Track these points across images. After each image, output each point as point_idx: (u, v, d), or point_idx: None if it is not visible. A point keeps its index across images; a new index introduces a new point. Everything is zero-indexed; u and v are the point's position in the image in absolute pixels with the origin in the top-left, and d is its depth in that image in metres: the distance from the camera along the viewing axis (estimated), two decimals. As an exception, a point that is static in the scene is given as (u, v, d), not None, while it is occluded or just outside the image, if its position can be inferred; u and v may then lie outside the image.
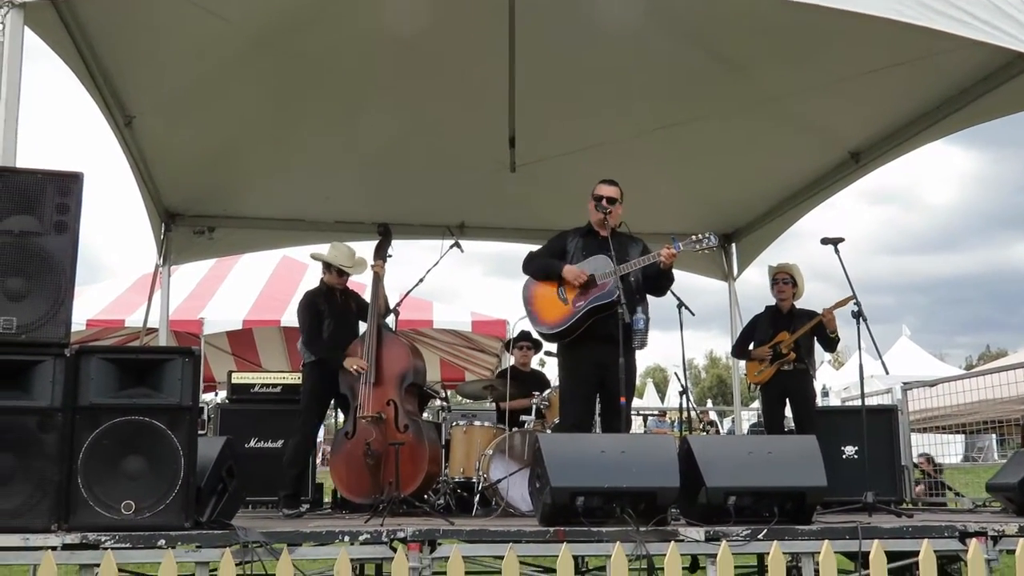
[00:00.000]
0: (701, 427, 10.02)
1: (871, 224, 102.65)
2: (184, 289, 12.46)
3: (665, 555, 4.44)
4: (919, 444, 9.63)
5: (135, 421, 4.44)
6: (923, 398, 9.85)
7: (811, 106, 7.76)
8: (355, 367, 6.87)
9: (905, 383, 9.66)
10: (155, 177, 8.30)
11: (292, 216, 9.57)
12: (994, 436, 12.39)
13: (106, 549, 4.21)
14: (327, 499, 8.65)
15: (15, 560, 4.25)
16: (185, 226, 9.22)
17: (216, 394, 13.02)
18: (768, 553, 4.34)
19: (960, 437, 12.97)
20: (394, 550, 4.43)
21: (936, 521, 5.16)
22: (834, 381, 18.38)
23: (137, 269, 15.17)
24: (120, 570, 3.07)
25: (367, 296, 7.46)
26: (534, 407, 7.60)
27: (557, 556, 4.15)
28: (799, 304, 8.14)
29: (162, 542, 4.31)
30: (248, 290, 13.22)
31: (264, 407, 8.10)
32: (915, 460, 9.22)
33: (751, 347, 8.19)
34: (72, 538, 4.24)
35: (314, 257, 7.71)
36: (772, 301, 8.21)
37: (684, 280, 7.38)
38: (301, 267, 13.82)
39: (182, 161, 8.16)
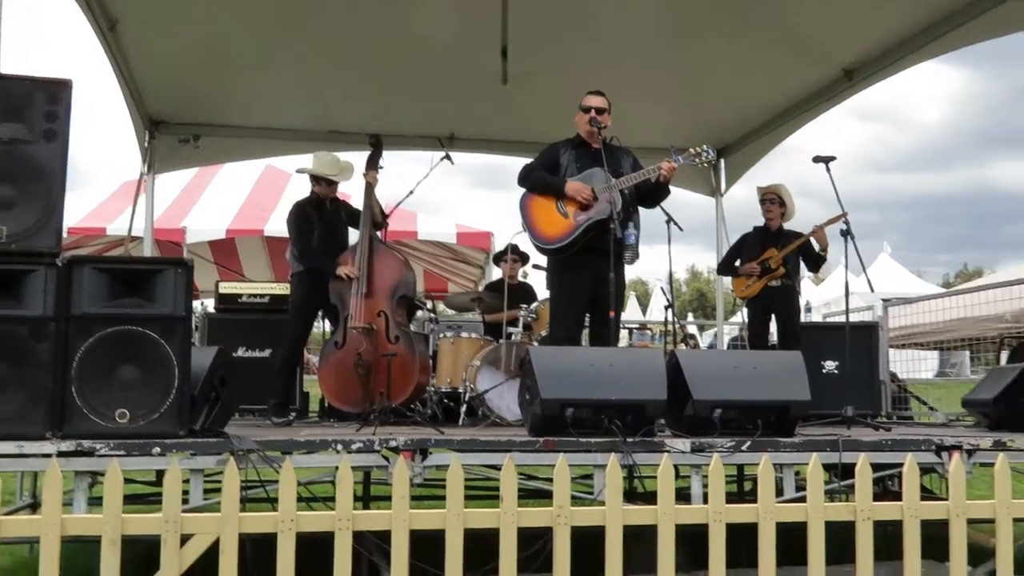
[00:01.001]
0: (681, 340, 10.09)
1: (859, 141, 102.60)
2: (166, 198, 12.35)
3: (650, 465, 4.55)
4: (895, 360, 9.77)
5: (129, 331, 4.44)
6: (902, 315, 10.00)
7: (806, 21, 7.69)
8: (347, 273, 6.88)
9: (885, 299, 9.78)
10: (140, 83, 8.19)
11: (280, 125, 9.49)
12: (967, 353, 12.57)
13: (101, 456, 4.27)
14: (313, 407, 8.75)
15: (10, 467, 4.30)
16: (170, 134, 9.12)
17: (202, 303, 13.01)
18: (748, 464, 4.43)
19: (935, 354, 13.17)
20: (386, 458, 4.51)
21: (914, 435, 5.28)
22: (815, 296, 18.53)
23: (119, 177, 15.03)
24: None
25: (356, 205, 7.45)
26: (521, 319, 7.64)
27: (545, 466, 4.22)
28: (788, 225, 8.19)
29: (157, 449, 4.36)
30: (231, 199, 13.13)
31: (251, 316, 8.13)
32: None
33: (738, 264, 8.24)
34: (67, 445, 4.27)
35: (300, 172, 7.64)
36: (760, 220, 8.24)
37: (673, 193, 7.36)
38: (285, 176, 13.72)
39: (167, 66, 8.03)
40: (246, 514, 2.91)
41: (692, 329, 16.67)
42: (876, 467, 5.01)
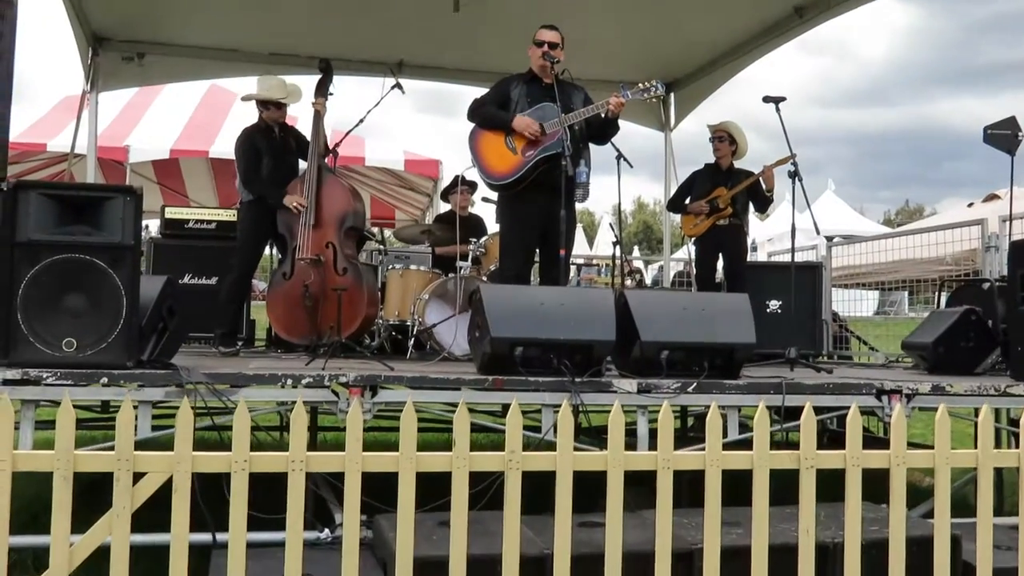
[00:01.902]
0: (627, 274, 10.17)
1: (804, 75, 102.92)
2: (108, 115, 12.06)
3: (599, 406, 4.63)
4: (837, 300, 9.94)
5: (76, 259, 4.37)
6: (845, 255, 10.15)
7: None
8: (295, 204, 6.81)
9: (828, 237, 9.92)
10: (83, -2, 7.96)
11: (226, 46, 9.29)
12: (906, 293, 12.82)
13: (48, 385, 4.24)
14: (260, 335, 8.73)
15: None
16: (114, 51, 8.92)
17: (146, 226, 12.82)
18: (691, 406, 4.51)
19: (875, 293, 13.42)
20: (335, 393, 4.53)
21: (855, 378, 5.41)
22: (760, 232, 18.75)
23: (58, 91, 14.64)
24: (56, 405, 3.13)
25: (303, 130, 7.35)
26: (471, 254, 7.64)
27: (494, 404, 4.27)
28: (741, 164, 8.24)
29: (104, 379, 4.35)
30: (175, 119, 12.88)
31: (198, 243, 8.03)
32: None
33: (687, 202, 8.30)
34: (13, 374, 4.23)
35: (246, 98, 7.48)
36: (711, 156, 8.29)
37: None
38: (231, 96, 13.45)
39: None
40: (199, 453, 2.91)
41: (638, 264, 16.80)
42: (819, 410, 5.17)
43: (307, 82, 7.60)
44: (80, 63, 8.69)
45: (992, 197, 12.42)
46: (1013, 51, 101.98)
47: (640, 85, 6.23)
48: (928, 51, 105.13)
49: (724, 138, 8.18)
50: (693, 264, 8.47)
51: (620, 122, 6.42)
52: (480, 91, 6.74)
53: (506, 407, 4.66)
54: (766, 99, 6.90)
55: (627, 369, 5.08)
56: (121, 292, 4.43)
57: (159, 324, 4.83)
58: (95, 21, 8.53)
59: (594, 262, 12.80)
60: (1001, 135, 6.55)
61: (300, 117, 9.60)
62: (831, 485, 3.57)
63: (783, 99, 6.87)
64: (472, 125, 6.42)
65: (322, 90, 7.22)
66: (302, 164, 7.15)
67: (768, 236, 19.45)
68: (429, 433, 7.82)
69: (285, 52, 9.31)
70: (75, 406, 2.95)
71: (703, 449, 3.24)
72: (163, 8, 8.47)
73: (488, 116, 6.36)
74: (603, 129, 6.38)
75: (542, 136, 6.12)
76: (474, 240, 7.79)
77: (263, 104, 7.17)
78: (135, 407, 3.43)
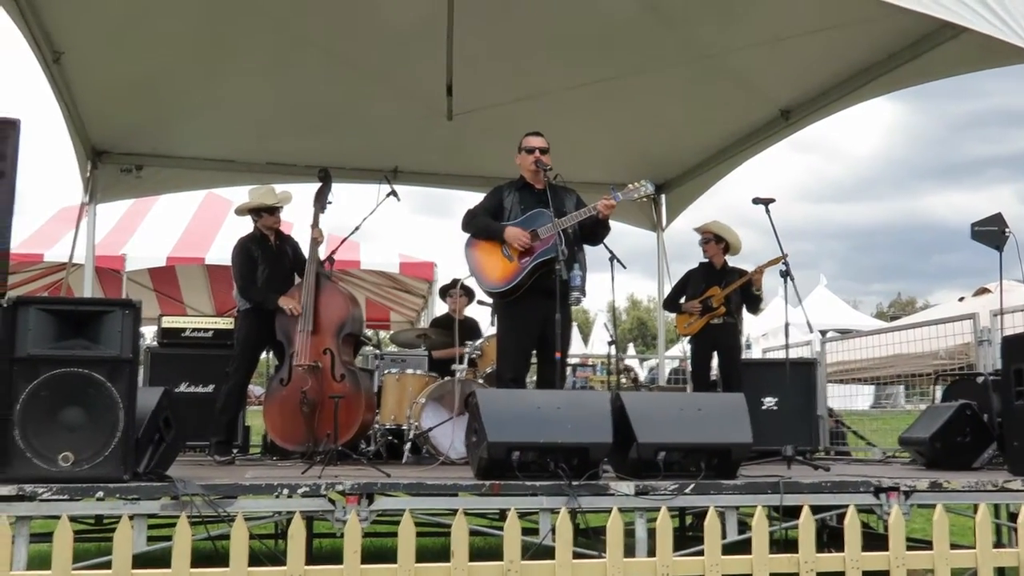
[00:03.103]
0: (622, 372, 10.17)
1: (794, 171, 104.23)
2: (106, 224, 12.19)
3: (599, 512, 4.61)
4: (832, 394, 9.95)
5: (74, 373, 4.40)
6: (840, 350, 10.20)
7: (743, 63, 7.90)
8: (290, 307, 6.86)
9: (822, 331, 9.97)
10: (83, 113, 8.15)
11: (223, 156, 9.48)
12: (902, 387, 12.84)
13: (43, 500, 4.22)
14: (255, 440, 8.70)
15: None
16: (112, 163, 9.09)
17: (143, 335, 12.87)
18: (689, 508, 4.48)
19: (870, 387, 13.43)
20: (332, 502, 4.51)
21: (852, 476, 5.38)
22: (754, 327, 18.79)
23: (54, 203, 14.82)
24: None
25: (301, 242, 7.43)
26: (467, 356, 7.66)
27: (492, 510, 4.26)
28: (736, 260, 8.34)
29: (100, 493, 4.32)
30: (172, 226, 13.00)
31: (195, 351, 8.06)
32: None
33: (682, 301, 8.37)
34: (8, 489, 4.21)
35: (239, 213, 7.55)
36: (703, 255, 8.38)
37: (613, 227, 7.43)
38: (226, 204, 13.58)
39: (110, 97, 8.03)
40: (196, 571, 2.91)
41: (633, 363, 16.83)
42: (817, 508, 5.14)
43: (303, 190, 7.73)
44: (79, 175, 8.82)
45: (983, 291, 12.52)
46: (992, 146, 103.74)
47: (630, 186, 6.31)
48: (912, 147, 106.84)
49: (711, 239, 8.29)
50: (689, 362, 8.50)
51: (613, 222, 6.51)
52: (473, 195, 6.86)
53: (504, 509, 4.64)
54: (756, 201, 6.98)
55: (624, 471, 5.07)
56: (119, 405, 4.44)
57: (155, 436, 4.83)
58: (94, 135, 8.70)
59: (590, 361, 12.81)
60: (988, 231, 6.63)
61: (295, 223, 9.73)
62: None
63: (772, 200, 6.95)
64: (467, 235, 6.49)
65: (321, 200, 7.30)
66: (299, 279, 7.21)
67: (763, 331, 19.48)
68: (427, 538, 7.74)
69: (282, 162, 9.47)
70: (69, 518, 2.95)
71: (703, 552, 3.23)
72: (161, 121, 8.67)
73: (482, 227, 6.41)
74: (595, 231, 6.44)
75: (535, 242, 6.18)
76: (470, 343, 7.81)
77: (256, 212, 7.25)
78: (131, 518, 3.42)
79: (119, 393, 4.44)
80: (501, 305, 6.50)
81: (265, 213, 7.24)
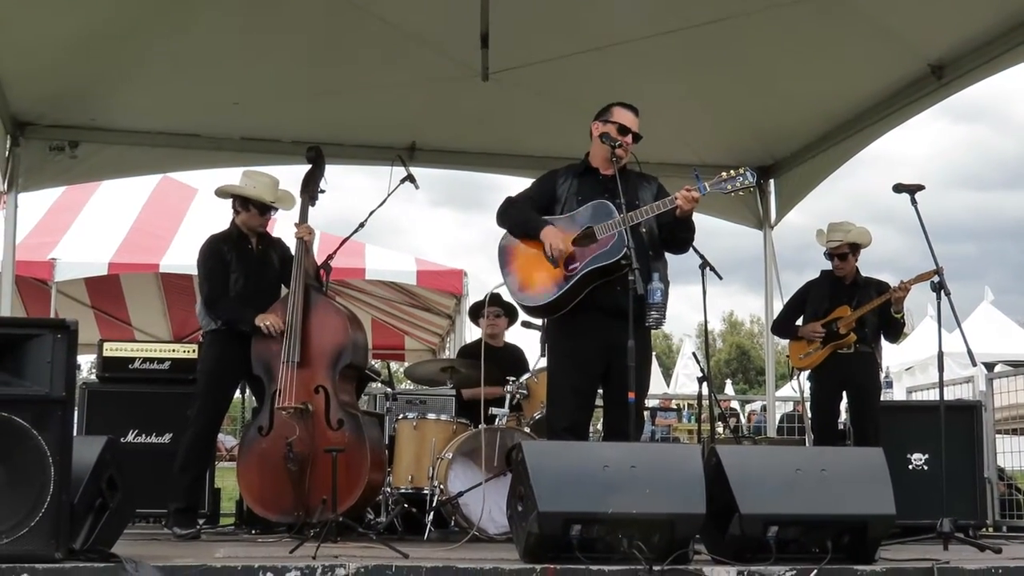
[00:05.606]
0: (719, 418, 10.12)
1: (950, 149, 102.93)
2: (29, 220, 12.30)
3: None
4: (1002, 449, 9.85)
5: (-10, 417, 4.46)
6: (1013, 390, 10.06)
7: (883, 2, 7.83)
8: (267, 324, 6.87)
9: (987, 364, 9.86)
10: (1, 75, 8.20)
11: (183, 130, 9.52)
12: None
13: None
14: (226, 507, 8.74)
15: None
16: (39, 139, 9.12)
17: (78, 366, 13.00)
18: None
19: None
20: (330, 591, 4.54)
21: (1033, 561, 5.34)
22: (894, 359, 18.64)
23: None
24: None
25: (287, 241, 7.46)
26: (508, 396, 7.66)
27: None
28: (873, 266, 8.28)
29: (25, 577, 4.38)
30: (116, 223, 13.06)
31: (146, 389, 8.09)
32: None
33: (799, 323, 8.30)
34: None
35: (222, 194, 7.48)
36: (827, 261, 8.30)
37: (703, 223, 7.31)
38: (188, 192, 13.70)
39: (37, 52, 8.03)
40: None
41: (733, 404, 16.80)
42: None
43: (289, 173, 7.74)
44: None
45: None
46: None
47: (723, 174, 6.19)
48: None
49: (846, 253, 8.21)
50: (807, 405, 8.45)
51: (704, 217, 6.48)
52: (514, 182, 6.83)
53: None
54: (898, 188, 6.91)
55: (722, 552, 5.06)
56: (48, 460, 4.46)
57: (96, 501, 4.86)
58: (15, 102, 8.71)
59: (673, 404, 12.79)
60: None
61: (278, 220, 9.78)
62: None
63: (920, 188, 6.88)
64: (503, 231, 6.48)
65: (311, 187, 7.32)
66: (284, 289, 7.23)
67: (906, 365, 19.33)
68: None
69: (262, 137, 9.54)
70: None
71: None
72: (104, 83, 8.69)
73: (519, 220, 6.37)
74: (673, 232, 6.36)
75: (592, 242, 6.07)
76: (512, 379, 7.80)
77: (243, 204, 7.25)
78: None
79: (48, 444, 4.47)
80: (551, 328, 6.49)
81: (254, 208, 7.24)
